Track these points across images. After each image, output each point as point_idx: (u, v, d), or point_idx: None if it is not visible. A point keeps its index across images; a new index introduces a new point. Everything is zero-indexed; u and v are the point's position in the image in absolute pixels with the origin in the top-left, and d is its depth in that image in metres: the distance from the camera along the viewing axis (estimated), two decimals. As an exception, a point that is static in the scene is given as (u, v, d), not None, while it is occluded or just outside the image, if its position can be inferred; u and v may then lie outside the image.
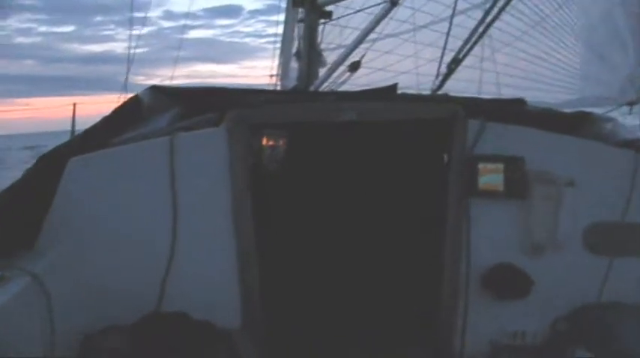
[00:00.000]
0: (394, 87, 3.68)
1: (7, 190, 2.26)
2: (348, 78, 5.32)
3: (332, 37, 7.60)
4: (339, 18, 5.98)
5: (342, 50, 7.48)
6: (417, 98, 2.99)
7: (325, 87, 5.54)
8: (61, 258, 2.21)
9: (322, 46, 6.96)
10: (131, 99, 2.86)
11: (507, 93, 6.31)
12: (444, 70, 3.90)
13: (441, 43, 6.43)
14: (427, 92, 6.46)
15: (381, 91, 3.57)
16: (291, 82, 9.34)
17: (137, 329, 2.22)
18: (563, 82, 6.23)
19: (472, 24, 5.15)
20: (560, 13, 5.83)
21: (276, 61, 9.31)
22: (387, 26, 5.99)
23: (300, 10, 5.85)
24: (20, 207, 2.22)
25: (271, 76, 9.52)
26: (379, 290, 3.10)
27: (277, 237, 2.95)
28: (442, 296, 2.68)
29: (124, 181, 2.38)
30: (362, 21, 6.16)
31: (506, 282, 2.61)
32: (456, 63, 3.77)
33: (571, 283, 2.67)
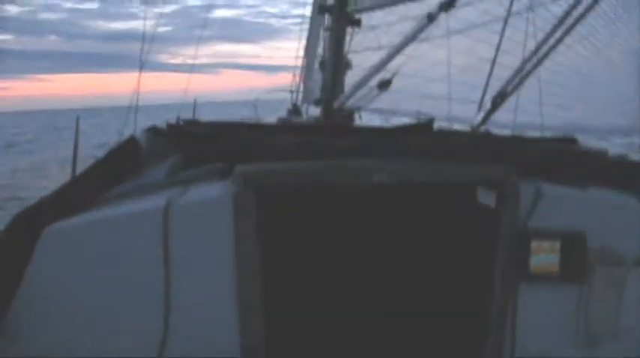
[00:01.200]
0: (430, 124, 3.29)
1: None
2: (377, 95, 4.92)
3: (358, 40, 7.20)
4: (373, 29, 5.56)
5: (368, 53, 7.12)
6: (457, 151, 2.52)
7: (352, 102, 5.16)
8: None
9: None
10: (127, 142, 2.50)
11: (548, 112, 5.86)
12: (487, 104, 3.46)
13: (477, 52, 6.00)
14: (460, 99, 6.02)
15: (415, 129, 3.18)
16: (316, 84, 8.99)
17: None
18: (609, 106, 5.76)
19: (515, 36, 4.73)
20: (611, 29, 5.35)
21: (300, 61, 8.96)
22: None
23: (327, 17, 5.43)
24: None
25: (294, 74, 9.16)
26: None
27: (291, 322, 2.52)
28: None
29: (109, 257, 2.01)
30: (391, 23, 5.75)
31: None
32: (502, 97, 3.35)
33: None
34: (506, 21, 4.43)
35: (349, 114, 5.21)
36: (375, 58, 6.35)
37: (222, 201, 2.05)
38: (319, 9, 5.37)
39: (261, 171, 2.14)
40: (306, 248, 2.33)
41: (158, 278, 2.00)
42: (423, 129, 3.11)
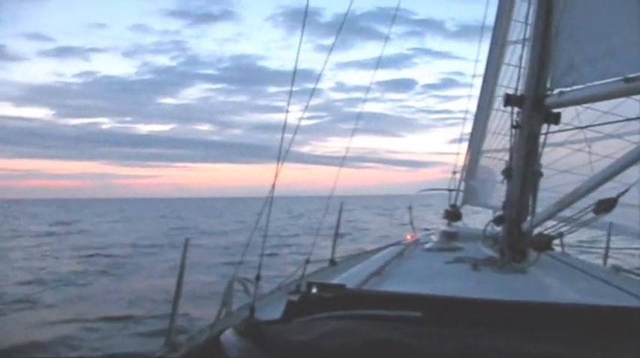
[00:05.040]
0: None
1: None
2: (592, 220, 3.48)
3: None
4: (576, 128, 4.17)
5: (564, 153, 5.64)
6: None
7: (553, 227, 3.76)
8: None
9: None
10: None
11: None
12: None
13: None
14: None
15: None
16: (480, 184, 7.63)
17: None
18: None
19: None
20: None
21: (462, 154, 7.69)
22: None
23: (515, 111, 4.15)
24: None
25: (454, 172, 7.86)
26: None
27: None
28: None
29: None
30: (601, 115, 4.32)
31: None
32: None
33: None
34: None
35: (546, 242, 3.77)
36: (576, 161, 4.92)
37: None
38: (505, 101, 4.10)
39: None
40: None
41: None
42: None
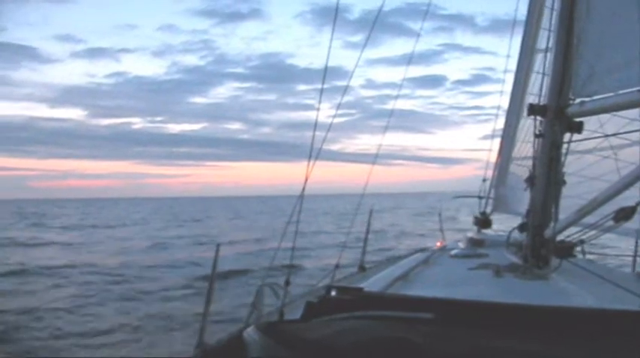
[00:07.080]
0: None
1: None
2: (613, 227, 3.52)
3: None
4: (598, 137, 4.21)
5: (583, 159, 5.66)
6: None
7: (576, 235, 3.81)
8: None
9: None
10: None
11: None
12: None
13: None
14: None
15: None
16: (510, 192, 7.63)
17: None
18: None
19: None
20: None
21: (494, 151, 7.69)
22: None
23: (539, 120, 4.22)
24: None
25: (484, 180, 7.88)
26: None
27: None
28: None
29: None
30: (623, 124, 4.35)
31: None
32: None
33: None
34: None
35: (567, 249, 3.83)
36: (599, 169, 4.94)
37: None
38: (529, 110, 4.18)
39: None
40: None
41: None
42: None
